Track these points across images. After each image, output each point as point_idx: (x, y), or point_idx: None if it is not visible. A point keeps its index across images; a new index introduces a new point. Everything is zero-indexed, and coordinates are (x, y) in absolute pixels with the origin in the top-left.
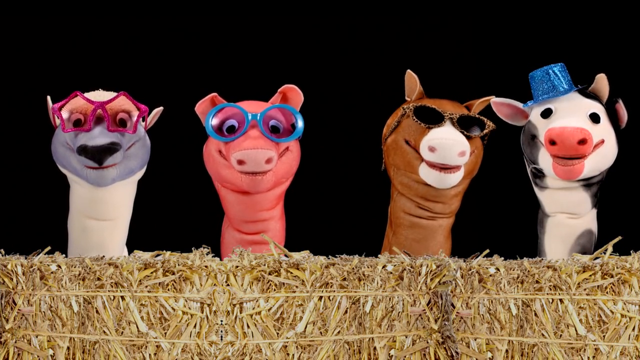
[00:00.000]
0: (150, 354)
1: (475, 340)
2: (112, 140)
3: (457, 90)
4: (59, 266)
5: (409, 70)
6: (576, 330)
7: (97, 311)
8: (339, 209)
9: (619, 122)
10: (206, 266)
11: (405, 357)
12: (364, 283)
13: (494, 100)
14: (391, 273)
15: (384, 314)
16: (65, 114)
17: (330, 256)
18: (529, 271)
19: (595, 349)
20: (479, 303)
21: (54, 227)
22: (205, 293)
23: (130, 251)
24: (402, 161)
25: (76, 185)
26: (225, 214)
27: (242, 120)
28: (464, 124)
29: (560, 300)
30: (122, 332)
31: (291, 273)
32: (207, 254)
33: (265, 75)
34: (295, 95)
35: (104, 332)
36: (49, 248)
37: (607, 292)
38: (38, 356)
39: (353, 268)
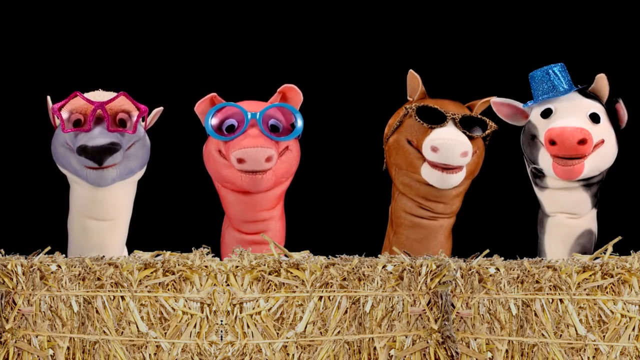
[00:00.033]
0: (150, 354)
1: (475, 340)
2: (112, 141)
3: (457, 90)
4: (59, 266)
5: (411, 70)
6: (576, 330)
7: (97, 311)
8: (339, 209)
9: (619, 122)
10: (206, 266)
11: (405, 357)
12: (364, 283)
13: (494, 100)
14: (391, 273)
15: (384, 314)
16: (65, 114)
17: (330, 256)
18: (529, 271)
19: (595, 349)
20: (479, 303)
21: (54, 227)
22: (205, 293)
23: (130, 251)
24: (404, 161)
25: (76, 186)
26: (225, 214)
27: (241, 120)
28: (466, 124)
29: (560, 300)
30: (122, 332)
31: (291, 273)
32: (207, 254)
33: (266, 75)
34: (294, 95)
35: (104, 332)
36: (49, 248)
37: (607, 292)
38: (38, 356)
39: (353, 268)
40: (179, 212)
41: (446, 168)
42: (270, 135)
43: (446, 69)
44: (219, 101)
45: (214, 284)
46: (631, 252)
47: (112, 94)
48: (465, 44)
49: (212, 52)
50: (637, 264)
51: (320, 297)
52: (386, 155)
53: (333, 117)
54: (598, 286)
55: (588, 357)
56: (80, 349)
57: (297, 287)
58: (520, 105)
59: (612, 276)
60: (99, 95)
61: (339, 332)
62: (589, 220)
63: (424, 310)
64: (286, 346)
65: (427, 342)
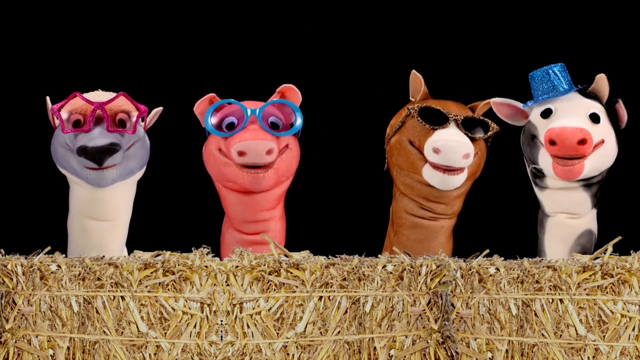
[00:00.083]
0: (150, 354)
1: (475, 340)
2: (112, 141)
3: (457, 90)
4: (59, 266)
5: (414, 71)
6: (576, 330)
7: (97, 311)
8: (339, 209)
9: (619, 122)
10: (206, 266)
11: (405, 357)
12: (364, 283)
13: (494, 100)
14: (391, 273)
15: (384, 314)
16: (64, 114)
17: (330, 256)
18: (529, 271)
19: (595, 349)
20: (479, 303)
21: (54, 227)
22: (205, 293)
23: (130, 251)
24: (406, 162)
25: (76, 186)
26: (225, 214)
27: (241, 117)
28: (468, 126)
29: (560, 300)
30: (122, 332)
31: (291, 273)
32: (207, 254)
33: (266, 76)
34: (293, 94)
35: (104, 332)
36: (49, 248)
37: (607, 292)
38: (38, 356)
39: (353, 268)
40: (179, 212)
41: (448, 169)
42: (270, 131)
43: (446, 69)
44: (215, 100)
45: (214, 284)
46: (631, 252)
47: (111, 94)
48: (465, 44)
49: (212, 52)
50: (637, 264)
51: (320, 297)
52: (387, 155)
53: (334, 117)
54: (598, 286)
55: (588, 357)
56: (80, 349)
57: (297, 287)
58: (520, 105)
59: (612, 276)
60: (99, 96)
61: (339, 332)
62: (589, 220)
63: (424, 310)
64: (286, 346)
65: (427, 342)
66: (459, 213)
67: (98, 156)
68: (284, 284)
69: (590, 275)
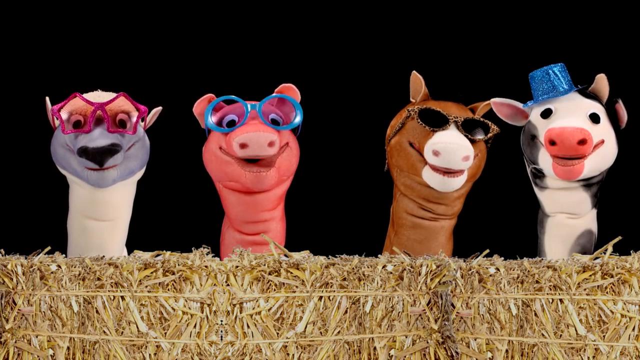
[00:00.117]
0: (150, 354)
1: (475, 340)
2: (113, 142)
3: (457, 91)
4: (59, 266)
5: (414, 72)
6: (576, 330)
7: (97, 311)
8: (340, 209)
9: (619, 122)
10: (206, 266)
11: (405, 357)
12: (364, 283)
13: (494, 100)
14: (391, 273)
15: (384, 314)
16: (64, 115)
17: (330, 256)
18: (529, 271)
19: (595, 349)
20: (479, 303)
21: (54, 227)
22: (205, 293)
23: (130, 251)
24: (406, 163)
25: (76, 186)
26: (225, 215)
27: (241, 113)
28: (469, 127)
29: (560, 300)
30: (122, 332)
31: (291, 273)
32: (207, 254)
33: (266, 76)
34: (292, 94)
35: (104, 332)
36: (49, 248)
37: (607, 292)
38: (38, 356)
39: (353, 268)
40: (179, 212)
41: (447, 172)
42: (272, 125)
43: (445, 69)
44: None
45: (214, 284)
46: (631, 252)
47: (111, 95)
48: (465, 44)
49: (212, 52)
50: (637, 264)
51: (320, 297)
52: (388, 156)
53: (334, 117)
54: (598, 286)
55: (588, 357)
56: (80, 349)
57: (297, 287)
58: (520, 105)
59: (612, 276)
60: (98, 96)
61: (339, 332)
62: (589, 220)
63: (424, 310)
64: (286, 346)
65: (427, 342)
66: (459, 213)
67: (99, 157)
68: (284, 284)
69: (590, 275)
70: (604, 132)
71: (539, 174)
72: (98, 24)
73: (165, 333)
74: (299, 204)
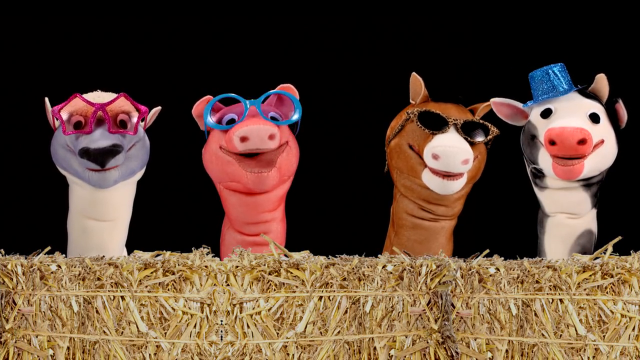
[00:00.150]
0: (150, 354)
1: (475, 340)
2: (114, 143)
3: (457, 91)
4: (59, 266)
5: (414, 73)
6: (576, 330)
7: (97, 311)
8: (340, 209)
9: (619, 122)
10: (206, 266)
11: (405, 357)
12: (364, 283)
13: (494, 100)
14: (391, 273)
15: (384, 314)
16: (65, 116)
17: (330, 256)
18: (529, 271)
19: (595, 349)
20: (479, 303)
21: (54, 227)
22: (205, 293)
23: (130, 251)
24: (405, 166)
25: (76, 186)
26: (225, 215)
27: (240, 112)
28: (468, 130)
29: (560, 300)
30: (122, 332)
31: (291, 273)
32: (207, 254)
33: (266, 76)
34: (291, 94)
35: (104, 332)
36: (49, 248)
37: (607, 292)
38: (38, 356)
39: (353, 268)
40: (179, 212)
41: (447, 175)
42: (271, 121)
43: (445, 69)
44: (214, 104)
45: (214, 284)
46: (631, 252)
47: (111, 95)
48: (465, 44)
49: (211, 52)
50: (637, 264)
51: (320, 297)
52: (388, 157)
53: (334, 117)
54: (598, 286)
55: (588, 357)
56: (80, 349)
57: (297, 287)
58: (520, 105)
59: (612, 276)
60: (98, 96)
61: (339, 332)
62: (589, 220)
63: (424, 310)
64: (286, 346)
65: (427, 342)
66: (459, 214)
67: (100, 158)
68: (284, 284)
69: (590, 275)
70: (604, 132)
71: (539, 174)
72: (96, 24)
73: (165, 333)
74: (299, 204)
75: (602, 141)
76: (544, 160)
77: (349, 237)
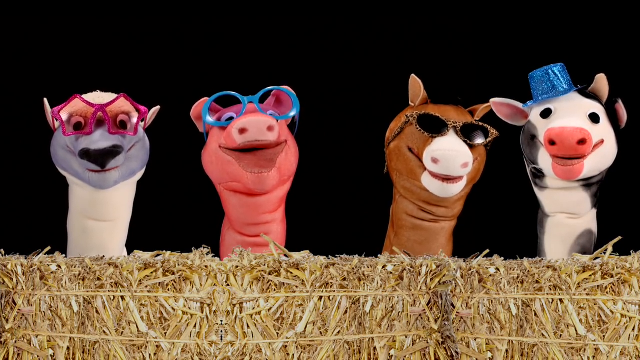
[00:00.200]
0: (150, 354)
1: (475, 340)
2: (115, 143)
3: (456, 92)
4: (59, 266)
5: (413, 75)
6: (576, 330)
7: (97, 311)
8: (340, 209)
9: (619, 122)
10: (206, 266)
11: (405, 357)
12: (364, 283)
13: (494, 100)
14: (391, 273)
15: (384, 314)
16: (64, 116)
17: (330, 256)
18: (529, 271)
19: (595, 349)
20: (479, 303)
21: (54, 227)
22: (205, 293)
23: (130, 251)
24: (405, 168)
25: (76, 187)
26: (225, 216)
27: (239, 110)
28: (468, 132)
29: (560, 300)
30: (122, 332)
31: (291, 273)
32: (207, 254)
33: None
34: (288, 97)
35: (104, 332)
36: (49, 248)
37: (607, 292)
38: (38, 356)
39: (353, 268)
40: (179, 212)
41: (446, 178)
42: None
43: (445, 70)
44: (213, 105)
45: (214, 284)
46: (631, 252)
47: (111, 95)
48: (465, 45)
49: (211, 52)
50: (637, 264)
51: (320, 297)
52: (387, 159)
53: (334, 118)
54: (598, 286)
55: (588, 357)
56: (80, 349)
57: (297, 287)
58: (520, 105)
59: (612, 276)
60: (98, 97)
61: (339, 332)
62: (589, 220)
63: (424, 310)
64: (286, 346)
65: (427, 342)
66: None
67: (101, 159)
68: (284, 284)
69: (590, 275)
70: (604, 132)
71: (539, 174)
72: (97, 24)
73: (165, 333)
74: (299, 204)
75: (602, 141)
76: (544, 160)
77: (349, 237)
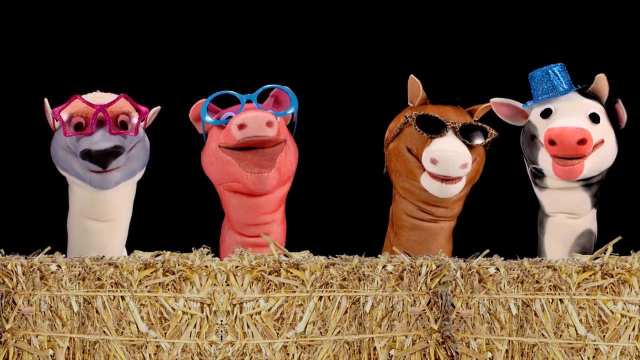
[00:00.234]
0: (150, 354)
1: (475, 340)
2: (116, 144)
3: (456, 92)
4: (59, 266)
5: (412, 76)
6: (576, 330)
7: (97, 311)
8: (340, 209)
9: (619, 122)
10: (206, 266)
11: (405, 357)
12: (364, 283)
13: (493, 100)
14: (391, 273)
15: (384, 314)
16: (65, 117)
17: (330, 256)
18: (529, 271)
19: (595, 349)
20: (479, 303)
21: (54, 227)
22: (205, 293)
23: (130, 251)
24: (404, 169)
25: (76, 187)
26: (225, 216)
27: (237, 109)
28: (467, 133)
29: (560, 300)
30: (122, 332)
31: (291, 273)
32: (207, 254)
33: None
34: (287, 98)
35: (104, 332)
36: (49, 248)
37: (607, 292)
38: (38, 356)
39: (353, 268)
40: (179, 212)
41: (446, 179)
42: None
43: (445, 70)
44: (211, 106)
45: (214, 284)
46: (631, 252)
47: (111, 95)
48: (465, 45)
49: (211, 53)
50: (637, 264)
51: (320, 297)
52: (386, 159)
53: (334, 118)
54: (598, 286)
55: (588, 357)
56: (80, 349)
57: (297, 287)
58: (520, 105)
59: (612, 276)
60: (98, 97)
61: (339, 332)
62: (589, 220)
63: (424, 310)
64: (286, 346)
65: (427, 342)
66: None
67: (102, 160)
68: (284, 284)
69: (590, 275)
70: (604, 132)
71: (539, 174)
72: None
73: (165, 333)
74: (299, 204)
75: (602, 141)
76: (544, 160)
77: (349, 237)
